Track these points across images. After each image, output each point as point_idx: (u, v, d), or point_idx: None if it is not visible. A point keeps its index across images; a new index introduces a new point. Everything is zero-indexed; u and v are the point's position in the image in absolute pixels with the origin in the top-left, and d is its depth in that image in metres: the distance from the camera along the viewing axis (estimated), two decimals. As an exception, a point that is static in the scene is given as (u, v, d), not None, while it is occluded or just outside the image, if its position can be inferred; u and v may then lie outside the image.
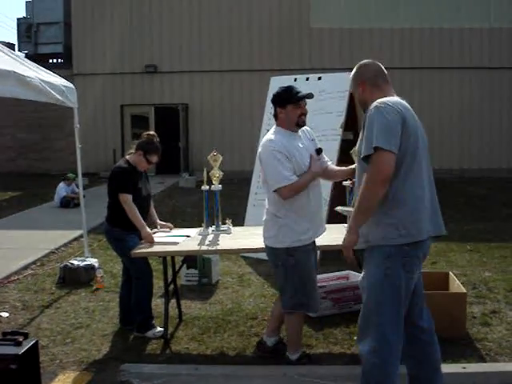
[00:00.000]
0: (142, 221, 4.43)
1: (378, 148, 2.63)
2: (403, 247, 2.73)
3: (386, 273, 2.74)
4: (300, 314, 3.75)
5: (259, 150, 3.68)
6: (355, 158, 4.56)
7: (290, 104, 3.58)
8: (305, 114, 3.64)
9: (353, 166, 3.64)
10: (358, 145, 2.95)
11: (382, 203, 2.72)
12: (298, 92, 3.61)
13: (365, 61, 3.08)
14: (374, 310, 2.78)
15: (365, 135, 2.73)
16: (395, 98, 2.83)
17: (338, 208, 4.18)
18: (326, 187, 5.43)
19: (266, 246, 3.75)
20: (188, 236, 4.54)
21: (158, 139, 4.60)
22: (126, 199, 4.39)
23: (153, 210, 4.88)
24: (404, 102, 2.85)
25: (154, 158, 4.56)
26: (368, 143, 2.68)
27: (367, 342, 2.78)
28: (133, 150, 4.58)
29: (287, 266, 3.61)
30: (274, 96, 3.68)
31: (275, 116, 3.70)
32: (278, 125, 3.68)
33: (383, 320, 2.76)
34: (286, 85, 3.71)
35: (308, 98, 3.62)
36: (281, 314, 3.88)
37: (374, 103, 2.77)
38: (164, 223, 4.89)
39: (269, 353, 4.01)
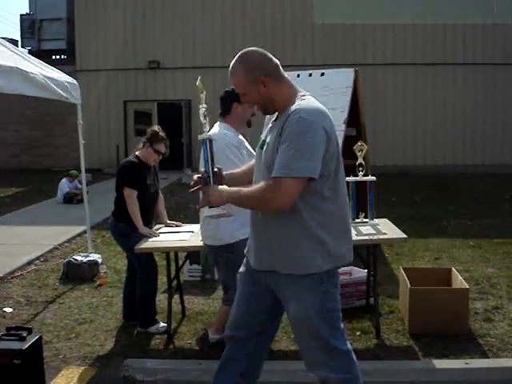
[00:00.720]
0: (140, 218, 4.43)
1: (289, 175, 2.32)
2: (333, 270, 2.57)
3: (324, 297, 2.53)
4: None
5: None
6: (358, 154, 4.58)
7: None
8: (254, 115, 3.69)
9: None
10: (265, 143, 2.58)
11: (304, 227, 2.47)
12: None
13: (251, 49, 2.58)
14: (326, 337, 2.55)
15: (281, 149, 2.36)
16: (315, 104, 2.47)
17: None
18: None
19: (205, 244, 3.78)
20: (191, 232, 4.55)
21: (163, 133, 4.62)
22: (131, 194, 4.40)
23: (163, 211, 4.89)
24: (319, 103, 2.50)
25: (162, 148, 4.56)
26: (283, 162, 2.34)
27: (329, 366, 2.57)
28: (141, 146, 4.60)
29: (228, 262, 3.65)
30: (233, 91, 3.59)
31: (226, 111, 3.72)
32: (225, 121, 3.73)
33: (338, 341, 2.57)
34: None
35: None
36: (226, 313, 3.93)
37: (295, 111, 2.39)
38: (173, 222, 4.90)
39: (209, 346, 4.08)
